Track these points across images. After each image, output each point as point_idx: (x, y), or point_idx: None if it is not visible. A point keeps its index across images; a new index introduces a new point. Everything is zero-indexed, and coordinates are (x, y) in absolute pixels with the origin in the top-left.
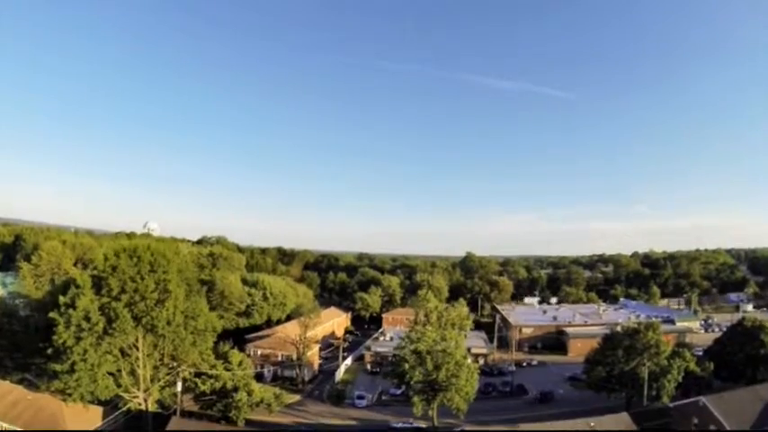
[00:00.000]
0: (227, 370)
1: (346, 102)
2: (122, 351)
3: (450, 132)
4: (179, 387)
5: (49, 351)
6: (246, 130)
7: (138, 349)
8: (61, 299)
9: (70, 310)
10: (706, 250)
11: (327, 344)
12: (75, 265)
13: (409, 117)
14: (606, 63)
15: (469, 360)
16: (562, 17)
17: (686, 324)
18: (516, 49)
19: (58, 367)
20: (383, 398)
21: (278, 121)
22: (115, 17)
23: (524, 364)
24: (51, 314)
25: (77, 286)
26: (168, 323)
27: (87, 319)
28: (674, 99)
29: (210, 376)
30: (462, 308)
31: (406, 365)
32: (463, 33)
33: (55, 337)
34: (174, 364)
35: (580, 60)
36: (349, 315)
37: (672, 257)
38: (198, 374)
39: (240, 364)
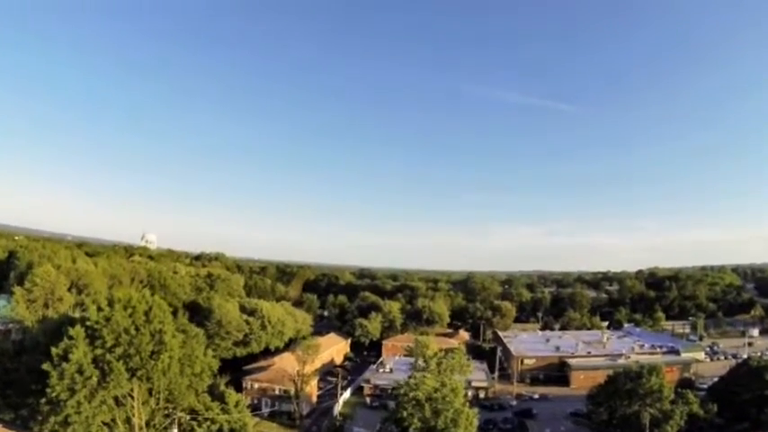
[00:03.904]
0: (224, 411)
1: (348, 111)
2: (117, 400)
3: (452, 144)
4: None
5: (43, 400)
6: (245, 141)
7: (133, 398)
8: (53, 350)
9: (63, 363)
10: (712, 269)
11: (327, 371)
12: (69, 290)
13: (410, 127)
14: (611, 78)
15: (470, 394)
16: (568, 30)
17: (691, 354)
18: (523, 61)
19: (52, 418)
20: None
21: (279, 135)
22: (114, 31)
23: (526, 397)
24: (44, 366)
25: (70, 337)
26: (164, 373)
27: (81, 372)
28: (680, 112)
29: (207, 419)
30: (461, 356)
31: (405, 412)
32: (467, 44)
33: (48, 390)
34: (171, 407)
35: (586, 75)
36: (348, 341)
37: (677, 278)
38: (194, 417)
39: (237, 405)
